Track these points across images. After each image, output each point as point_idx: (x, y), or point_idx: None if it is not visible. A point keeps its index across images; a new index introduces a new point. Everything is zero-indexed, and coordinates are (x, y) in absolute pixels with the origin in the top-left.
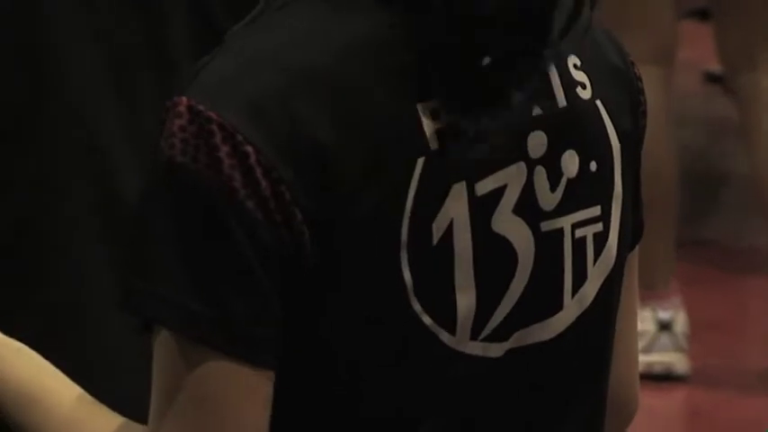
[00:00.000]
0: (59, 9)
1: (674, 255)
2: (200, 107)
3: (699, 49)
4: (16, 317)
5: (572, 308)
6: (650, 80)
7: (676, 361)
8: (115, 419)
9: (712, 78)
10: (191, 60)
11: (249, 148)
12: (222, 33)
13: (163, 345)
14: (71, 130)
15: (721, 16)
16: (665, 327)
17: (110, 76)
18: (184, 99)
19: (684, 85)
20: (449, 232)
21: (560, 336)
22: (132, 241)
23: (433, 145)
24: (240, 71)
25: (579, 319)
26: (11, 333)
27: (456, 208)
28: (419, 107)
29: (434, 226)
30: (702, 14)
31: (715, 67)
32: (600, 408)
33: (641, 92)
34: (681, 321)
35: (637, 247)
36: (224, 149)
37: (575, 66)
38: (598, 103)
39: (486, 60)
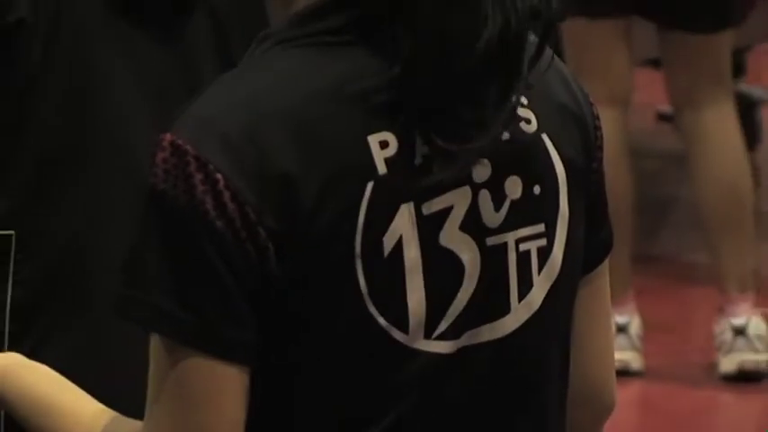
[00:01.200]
0: (104, 55)
1: (629, 267)
2: (180, 142)
3: (653, 92)
4: (60, 333)
5: (520, 311)
6: (607, 120)
7: (632, 359)
8: (130, 422)
9: (664, 117)
10: None
11: (219, 176)
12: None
13: (154, 348)
14: (115, 160)
15: (668, 64)
16: (621, 329)
17: (148, 111)
18: (168, 135)
19: (640, 123)
20: (398, 245)
21: (511, 335)
22: (129, 256)
23: (382, 170)
24: (217, 111)
25: (529, 321)
26: (55, 348)
27: (404, 225)
28: (369, 138)
29: (385, 240)
30: (655, 63)
31: (666, 107)
32: (557, 403)
33: (597, 128)
34: (635, 324)
35: (606, 261)
36: (198, 177)
37: (521, 104)
38: (543, 135)
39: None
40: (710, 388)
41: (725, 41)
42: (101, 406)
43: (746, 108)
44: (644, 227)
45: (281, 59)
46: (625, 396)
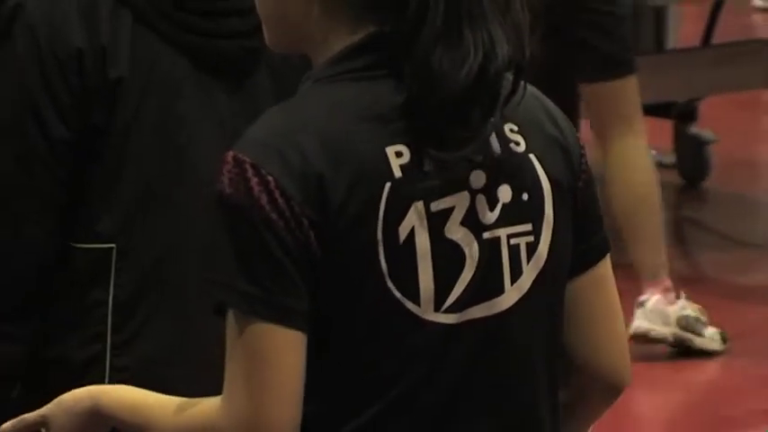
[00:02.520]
0: (187, 104)
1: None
2: (239, 155)
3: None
4: (150, 325)
5: (512, 293)
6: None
7: None
8: (210, 399)
9: None
10: None
11: (270, 178)
12: None
13: (229, 322)
14: (195, 190)
15: (587, 105)
16: None
17: (221, 149)
18: (231, 152)
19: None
20: (411, 235)
21: (505, 312)
22: (209, 249)
23: (397, 174)
24: (267, 131)
25: (519, 301)
26: (146, 338)
27: (415, 219)
28: (387, 149)
29: (400, 230)
30: None
31: None
32: (546, 371)
33: (582, 156)
34: None
35: (607, 260)
36: (254, 180)
37: (511, 130)
38: (531, 156)
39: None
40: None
41: (621, 88)
42: (181, 398)
43: (697, 147)
44: (613, 241)
45: (317, 92)
46: None
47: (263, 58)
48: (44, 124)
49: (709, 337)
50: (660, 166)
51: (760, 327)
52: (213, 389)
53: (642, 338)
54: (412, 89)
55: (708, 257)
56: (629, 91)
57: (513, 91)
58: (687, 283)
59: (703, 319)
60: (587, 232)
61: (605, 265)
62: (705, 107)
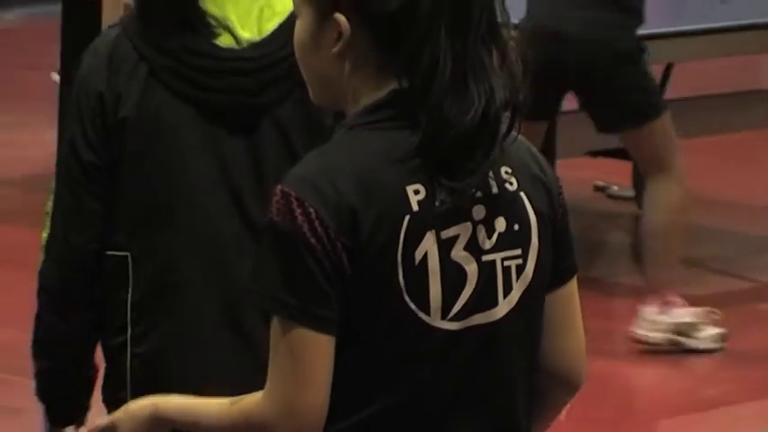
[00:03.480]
0: (190, 142)
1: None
2: (286, 189)
3: (591, 173)
4: (161, 322)
5: (504, 305)
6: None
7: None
8: (252, 394)
9: (598, 188)
10: (276, 170)
11: (311, 210)
12: (296, 156)
13: (273, 327)
14: (194, 215)
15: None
16: None
17: (223, 183)
18: (280, 186)
19: (584, 193)
20: (424, 258)
21: (498, 321)
22: (254, 264)
23: (415, 209)
24: (309, 169)
25: (509, 312)
26: (157, 333)
27: (428, 245)
28: (407, 188)
29: (416, 254)
30: (592, 153)
31: (600, 182)
32: (526, 369)
33: (560, 194)
34: None
35: (575, 281)
36: (298, 211)
37: (506, 172)
38: (521, 193)
39: (451, 167)
40: (624, 360)
41: (648, 133)
42: (226, 398)
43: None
44: (583, 259)
45: (350, 139)
46: None
47: (269, 111)
48: (77, 151)
49: (705, 338)
50: (621, 198)
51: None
52: (213, 374)
53: (643, 343)
54: (426, 133)
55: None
56: (655, 134)
57: (509, 129)
58: (641, 293)
59: (702, 321)
60: (562, 256)
61: (573, 284)
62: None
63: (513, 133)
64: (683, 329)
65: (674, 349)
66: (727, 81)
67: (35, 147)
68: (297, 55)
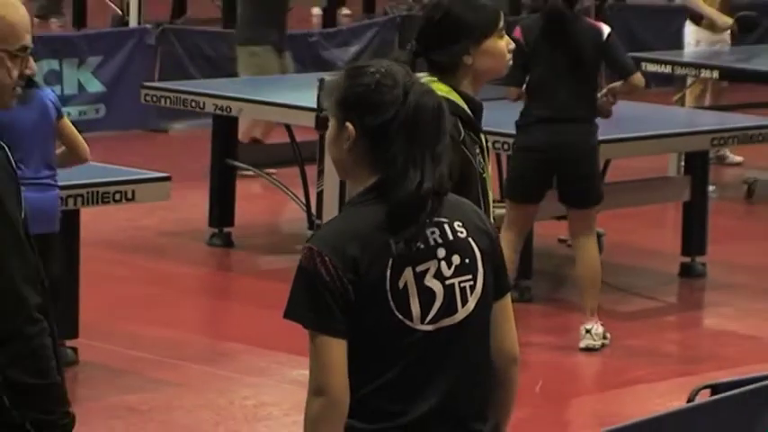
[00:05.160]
0: None
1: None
2: (310, 245)
3: (556, 229)
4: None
5: (462, 312)
6: (508, 242)
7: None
8: None
9: (561, 240)
10: None
11: (327, 259)
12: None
13: (309, 337)
14: None
15: (569, 221)
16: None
17: None
18: (307, 243)
19: (550, 243)
20: (405, 284)
21: (460, 323)
22: (290, 295)
23: (396, 253)
24: (325, 232)
25: (467, 317)
26: None
27: (408, 276)
28: (389, 241)
29: (399, 282)
30: (557, 217)
31: (563, 236)
32: (485, 356)
33: (497, 237)
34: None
35: (509, 295)
36: (317, 259)
37: (458, 225)
38: (470, 239)
39: (412, 228)
40: (574, 357)
41: (592, 211)
42: None
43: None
44: (550, 286)
45: (353, 211)
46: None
47: None
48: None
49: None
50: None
51: (633, 330)
52: None
53: (590, 350)
54: (389, 204)
55: (603, 298)
56: (591, 214)
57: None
58: (583, 310)
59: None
60: (499, 278)
61: (508, 297)
62: (604, 217)
63: (469, 205)
64: (604, 337)
65: (600, 346)
66: (644, 171)
67: None
68: (326, 146)
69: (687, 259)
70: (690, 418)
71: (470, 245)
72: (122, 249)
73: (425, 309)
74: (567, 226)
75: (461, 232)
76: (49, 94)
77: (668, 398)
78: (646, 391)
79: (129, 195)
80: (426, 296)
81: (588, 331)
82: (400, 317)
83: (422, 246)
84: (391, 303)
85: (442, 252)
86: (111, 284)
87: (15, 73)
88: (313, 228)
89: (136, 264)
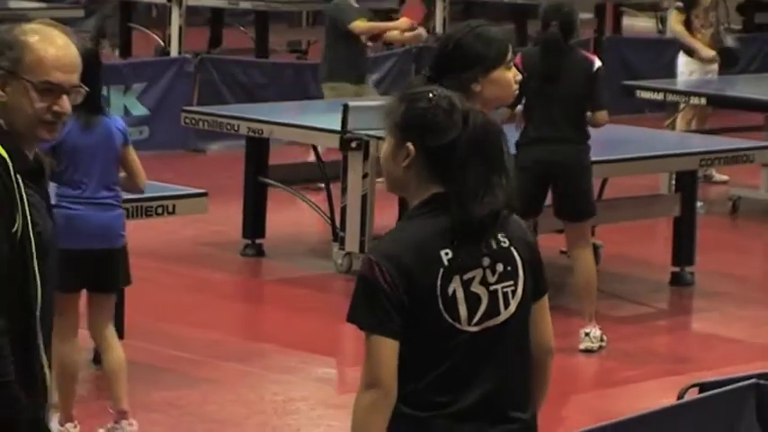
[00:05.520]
0: None
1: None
2: (370, 256)
3: (556, 242)
4: None
5: (504, 314)
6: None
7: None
8: None
9: (563, 252)
10: None
11: (384, 268)
12: None
13: (365, 337)
14: None
15: (566, 232)
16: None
17: None
18: (368, 255)
19: (552, 255)
20: (454, 291)
21: (502, 324)
22: (352, 300)
23: (446, 263)
24: (382, 243)
25: (509, 318)
26: None
27: (456, 284)
28: (441, 252)
29: (449, 289)
30: (558, 231)
31: (563, 248)
32: (524, 355)
33: (537, 246)
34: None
35: (546, 296)
36: (376, 269)
37: (501, 236)
38: (512, 248)
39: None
40: (574, 359)
41: (587, 223)
42: None
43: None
44: (551, 294)
45: (409, 223)
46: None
47: None
48: None
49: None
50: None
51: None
52: None
53: (589, 351)
54: (455, 220)
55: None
56: (585, 227)
57: (506, 217)
58: (583, 315)
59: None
60: (538, 282)
61: (545, 297)
62: (601, 230)
63: (512, 217)
64: (602, 340)
65: (597, 348)
66: (639, 189)
67: None
68: (381, 162)
69: (677, 269)
70: (679, 414)
71: (512, 254)
72: (164, 258)
73: (472, 312)
74: (566, 239)
75: (504, 242)
76: (117, 121)
77: (659, 395)
78: (639, 389)
79: (170, 209)
80: (472, 301)
81: (587, 335)
82: (449, 320)
83: (469, 256)
84: (441, 308)
85: (486, 261)
86: (154, 290)
87: (40, 105)
88: (337, 239)
89: (176, 271)
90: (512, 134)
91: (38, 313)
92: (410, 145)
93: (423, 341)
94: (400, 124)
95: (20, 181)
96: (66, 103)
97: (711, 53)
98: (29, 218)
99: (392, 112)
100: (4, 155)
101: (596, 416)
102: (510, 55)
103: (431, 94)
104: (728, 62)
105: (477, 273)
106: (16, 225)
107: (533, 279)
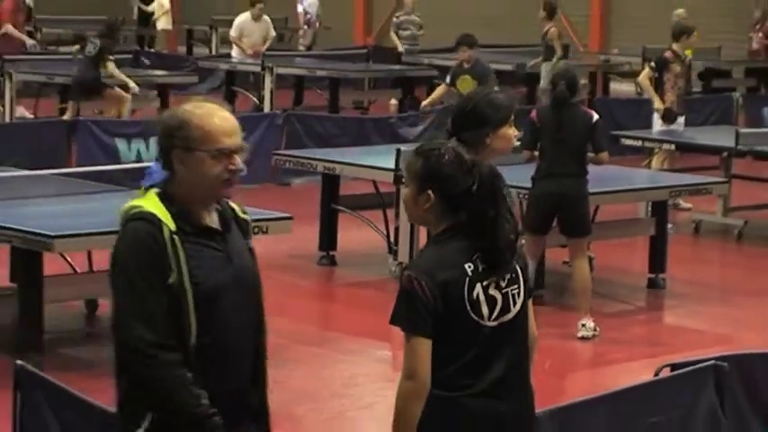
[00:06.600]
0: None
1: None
2: (409, 272)
3: (560, 254)
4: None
5: (514, 311)
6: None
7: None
8: None
9: (565, 262)
10: None
11: (423, 283)
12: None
13: (404, 338)
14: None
15: (569, 246)
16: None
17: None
18: (406, 271)
19: (557, 262)
20: (477, 295)
21: (512, 318)
22: (394, 306)
23: (470, 274)
24: (419, 261)
25: (517, 314)
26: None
27: (479, 289)
28: (465, 266)
29: (473, 294)
30: (562, 246)
31: (566, 259)
32: (527, 347)
33: (526, 264)
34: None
35: (532, 297)
36: (415, 283)
37: (514, 262)
38: (516, 266)
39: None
40: (573, 344)
41: (585, 239)
42: None
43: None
44: (554, 293)
45: (434, 247)
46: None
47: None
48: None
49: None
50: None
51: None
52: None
53: (585, 339)
54: (478, 243)
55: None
56: (583, 242)
57: (516, 241)
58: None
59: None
60: (528, 287)
61: (531, 299)
62: (594, 246)
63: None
64: (592, 328)
65: (591, 336)
66: (623, 214)
67: None
68: (404, 204)
69: (652, 275)
70: (656, 388)
71: (517, 269)
72: (262, 267)
73: (491, 311)
74: (568, 252)
75: (515, 268)
76: None
77: (640, 373)
78: (624, 368)
79: (264, 229)
80: (491, 302)
81: (583, 325)
82: (475, 318)
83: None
84: (468, 309)
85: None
86: None
87: (218, 169)
88: (391, 252)
89: (269, 276)
90: (529, 170)
91: (191, 347)
92: (430, 192)
93: (453, 336)
94: (418, 176)
95: (176, 240)
96: (238, 161)
97: (661, 108)
98: (184, 272)
99: (411, 165)
100: (162, 218)
101: (590, 389)
102: (513, 116)
103: (442, 149)
104: (668, 119)
105: (493, 280)
106: (172, 278)
107: (527, 284)
